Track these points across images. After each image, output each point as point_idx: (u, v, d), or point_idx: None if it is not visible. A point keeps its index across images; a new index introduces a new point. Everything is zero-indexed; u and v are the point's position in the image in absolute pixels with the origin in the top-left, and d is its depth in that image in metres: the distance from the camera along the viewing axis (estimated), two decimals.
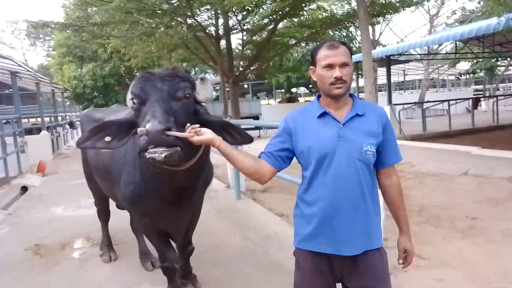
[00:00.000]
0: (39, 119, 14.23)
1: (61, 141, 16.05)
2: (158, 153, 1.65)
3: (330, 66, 1.65)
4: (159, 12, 8.83)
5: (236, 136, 1.99)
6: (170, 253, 2.82)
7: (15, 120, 10.06)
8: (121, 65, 16.41)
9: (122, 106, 4.24)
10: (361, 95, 16.68)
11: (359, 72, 16.00)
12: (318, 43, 1.79)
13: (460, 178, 6.76)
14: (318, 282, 1.73)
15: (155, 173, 2.17)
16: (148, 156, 1.67)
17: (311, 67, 1.77)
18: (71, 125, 19.29)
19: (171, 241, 2.92)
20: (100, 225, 4.15)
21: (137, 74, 19.66)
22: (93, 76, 17.43)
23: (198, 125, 1.73)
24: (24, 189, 7.97)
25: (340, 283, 1.79)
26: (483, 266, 3.43)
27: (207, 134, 1.68)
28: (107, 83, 17.88)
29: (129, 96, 2.03)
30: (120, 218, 4.28)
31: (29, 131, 11.74)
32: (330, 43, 1.69)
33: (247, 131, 2.05)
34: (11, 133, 9.38)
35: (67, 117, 21.24)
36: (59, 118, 18.53)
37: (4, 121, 9.56)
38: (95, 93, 18.54)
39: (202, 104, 2.08)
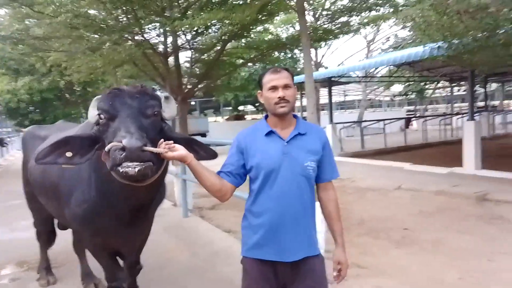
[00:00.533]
0: None
1: None
2: (132, 167, 1.67)
3: (274, 88, 1.83)
4: (107, 28, 8.67)
5: (201, 152, 2.04)
6: (119, 273, 2.77)
7: None
8: (61, 80, 15.59)
9: (68, 122, 4.07)
10: (304, 113, 17.37)
11: (303, 92, 16.72)
12: (264, 65, 1.97)
13: (395, 192, 7.30)
14: None
15: (115, 189, 2.15)
16: (121, 171, 1.68)
17: (258, 91, 1.94)
18: (1, 142, 17.81)
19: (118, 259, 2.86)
20: (39, 247, 3.90)
21: (77, 89, 18.96)
22: (29, 90, 16.33)
23: (171, 141, 1.77)
24: None
25: None
26: (416, 273, 3.75)
27: (180, 150, 1.74)
28: (45, 97, 16.85)
29: (93, 111, 2.02)
30: (59, 240, 4.07)
31: None
32: (273, 69, 1.88)
33: None
34: None
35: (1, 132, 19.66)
36: None
37: None
38: (31, 108, 17.35)
39: (167, 121, 2.13)
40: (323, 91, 21.46)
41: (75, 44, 9.36)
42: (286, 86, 1.82)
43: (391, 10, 10.85)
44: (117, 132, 1.81)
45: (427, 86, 26.38)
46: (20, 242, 4.96)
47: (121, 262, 2.93)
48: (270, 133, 1.87)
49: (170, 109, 2.13)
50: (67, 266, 4.07)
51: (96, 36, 8.66)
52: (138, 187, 1.91)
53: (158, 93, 2.22)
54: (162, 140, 1.78)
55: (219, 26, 7.89)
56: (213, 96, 23.02)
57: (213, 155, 2.08)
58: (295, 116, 1.95)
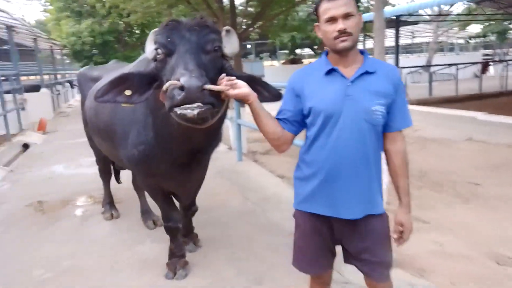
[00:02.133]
0: (38, 77, 14.02)
1: (61, 99, 15.92)
2: (191, 109, 1.54)
3: (332, 20, 1.53)
4: None
5: (264, 92, 1.85)
6: (174, 213, 2.81)
7: (13, 77, 9.88)
8: (120, 21, 15.85)
9: (120, 62, 4.07)
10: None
11: (366, 34, 15.49)
12: None
13: (463, 143, 6.70)
14: (318, 243, 1.71)
15: (172, 132, 2.06)
16: (179, 112, 1.56)
17: (315, 24, 1.64)
18: (71, 83, 19.01)
19: (174, 200, 2.90)
20: (102, 183, 4.14)
21: (136, 31, 19.25)
22: (91, 33, 16.86)
23: (234, 77, 1.60)
24: (26, 146, 7.98)
25: (340, 246, 1.76)
26: (482, 231, 3.44)
27: (243, 87, 1.57)
28: (106, 40, 17.35)
29: (150, 46, 1.88)
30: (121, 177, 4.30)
31: (29, 89, 11.57)
32: None
33: None
34: (11, 90, 9.24)
35: (67, 75, 20.96)
36: (59, 76, 18.29)
37: (3, 78, 9.40)
38: (94, 50, 18.04)
39: (228, 59, 1.94)
40: (389, 32, 19.81)
41: None
42: (347, 16, 1.51)
43: None
44: (175, 69, 1.67)
45: (510, 26, 23.23)
46: (87, 177, 5.33)
47: (177, 203, 2.98)
48: (331, 72, 1.60)
49: (231, 44, 1.92)
50: (129, 202, 4.29)
51: None
52: (197, 130, 1.77)
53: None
54: (223, 74, 1.61)
55: None
56: (269, 38, 22.22)
57: (277, 96, 1.87)
58: (362, 52, 1.65)
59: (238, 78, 1.68)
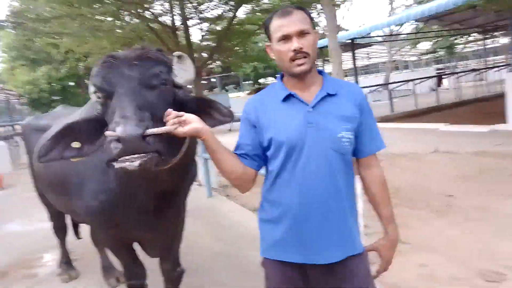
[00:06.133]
0: None
1: (21, 150, 15.11)
2: (130, 162, 1.31)
3: (286, 38, 1.36)
4: (102, 1, 8.15)
5: (216, 115, 1.62)
6: (138, 269, 2.47)
7: None
8: (78, 65, 15.54)
9: (68, 107, 3.75)
10: None
11: (325, 59, 15.93)
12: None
13: (430, 156, 6.77)
14: None
15: (134, 176, 1.74)
16: (117, 167, 1.33)
17: (266, 44, 1.47)
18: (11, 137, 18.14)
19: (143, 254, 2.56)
20: (57, 241, 3.75)
21: None
22: (49, 79, 16.42)
23: (182, 113, 1.37)
24: None
25: None
26: (465, 246, 3.34)
27: (193, 123, 1.33)
28: (65, 85, 16.94)
29: (91, 88, 1.63)
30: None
31: None
32: (282, 11, 1.40)
33: None
34: None
35: None
36: (17, 126, 17.47)
37: None
38: (53, 97, 17.48)
39: (182, 87, 1.68)
40: (346, 56, 20.55)
41: (75, 24, 8.89)
42: (302, 33, 1.35)
43: None
44: (113, 115, 1.42)
45: (456, 41, 24.77)
46: (41, 233, 4.86)
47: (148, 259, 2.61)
48: (288, 97, 1.43)
49: (185, 71, 1.66)
50: (88, 258, 3.90)
51: (93, 10, 8.19)
52: (161, 171, 1.55)
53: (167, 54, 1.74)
54: (170, 110, 1.37)
55: None
56: (232, 71, 22.50)
57: (228, 115, 1.62)
58: (320, 72, 1.48)
59: (187, 103, 1.48)
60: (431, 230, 3.76)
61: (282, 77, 1.51)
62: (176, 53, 1.71)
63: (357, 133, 1.44)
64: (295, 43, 1.34)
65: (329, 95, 1.41)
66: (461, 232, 3.63)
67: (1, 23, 9.54)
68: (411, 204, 4.58)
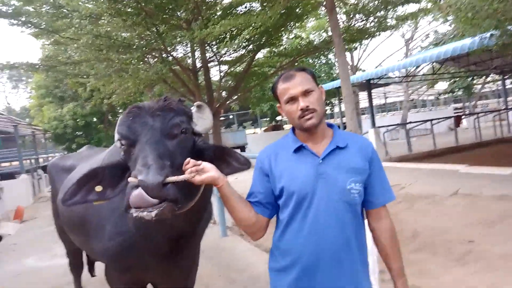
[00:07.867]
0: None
1: (43, 183, 15.52)
2: (147, 211, 1.37)
3: (292, 99, 1.48)
4: (129, 47, 8.67)
5: (233, 163, 1.69)
6: None
7: None
8: (102, 103, 16.20)
9: (93, 147, 3.91)
10: (344, 119, 16.78)
11: (341, 98, 16.14)
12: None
13: (451, 198, 6.61)
14: None
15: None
16: (135, 215, 1.38)
17: (278, 105, 1.59)
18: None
19: None
20: (72, 277, 3.79)
21: (120, 110, 19.60)
22: (73, 116, 17.12)
23: (200, 161, 1.45)
24: None
25: None
26: None
27: (210, 172, 1.41)
28: (89, 121, 17.59)
29: (116, 136, 1.74)
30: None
31: (6, 176, 11.29)
32: (285, 75, 1.52)
33: None
34: None
35: (49, 159, 20.76)
36: (41, 160, 18.06)
37: None
38: (77, 132, 18.13)
39: (201, 135, 1.79)
40: (363, 95, 20.71)
41: (102, 66, 9.44)
42: (306, 92, 1.46)
43: (430, 3, 10.09)
44: (135, 162, 1.51)
45: (474, 81, 24.68)
46: (58, 269, 4.91)
47: None
48: (300, 149, 1.51)
49: (204, 120, 1.77)
50: None
51: (121, 56, 8.71)
52: (177, 215, 1.60)
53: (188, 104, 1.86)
54: (188, 159, 1.45)
55: (245, 34, 7.59)
56: (249, 108, 22.92)
57: (245, 164, 1.68)
58: (330, 126, 1.58)
59: (205, 150, 1.55)
60: (451, 278, 3.64)
61: (293, 130, 1.59)
62: (196, 103, 1.84)
63: (367, 185, 1.49)
64: (301, 103, 1.45)
65: (338, 147, 1.49)
66: (483, 282, 3.49)
67: (35, 66, 10.20)
68: (431, 249, 4.46)
